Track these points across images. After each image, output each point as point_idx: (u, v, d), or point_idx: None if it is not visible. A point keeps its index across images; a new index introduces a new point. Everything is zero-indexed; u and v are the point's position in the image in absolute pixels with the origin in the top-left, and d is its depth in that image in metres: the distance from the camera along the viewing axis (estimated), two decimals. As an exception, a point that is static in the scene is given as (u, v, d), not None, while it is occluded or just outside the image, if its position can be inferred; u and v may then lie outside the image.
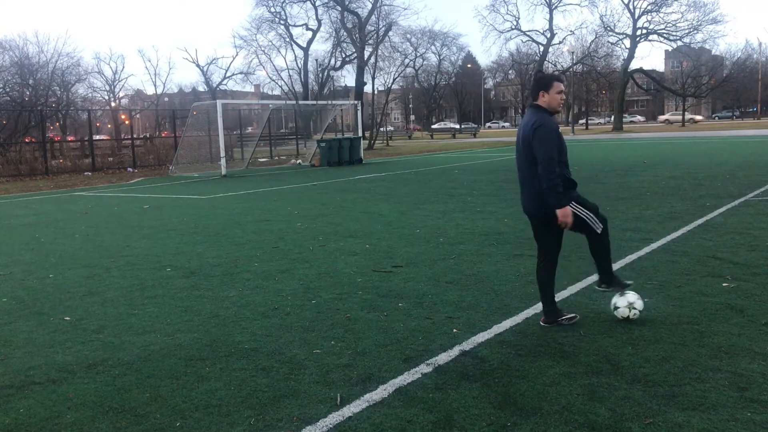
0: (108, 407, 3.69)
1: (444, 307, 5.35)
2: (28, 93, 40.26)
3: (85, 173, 26.56)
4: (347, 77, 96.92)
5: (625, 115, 76.63)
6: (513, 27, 64.28)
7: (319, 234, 9.26)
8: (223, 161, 23.56)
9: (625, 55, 63.03)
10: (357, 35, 42.21)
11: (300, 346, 4.56)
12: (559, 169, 4.50)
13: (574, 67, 64.81)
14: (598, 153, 27.30)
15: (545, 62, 66.68)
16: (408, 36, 52.18)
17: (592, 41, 64.73)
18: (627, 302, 4.70)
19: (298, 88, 42.09)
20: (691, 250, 7.10)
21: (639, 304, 4.71)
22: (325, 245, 8.34)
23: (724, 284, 5.69)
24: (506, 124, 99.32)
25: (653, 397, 3.53)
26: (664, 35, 60.89)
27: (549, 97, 4.57)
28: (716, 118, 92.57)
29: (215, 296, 6.02)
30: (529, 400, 3.53)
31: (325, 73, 44.88)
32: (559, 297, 5.48)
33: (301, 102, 34.01)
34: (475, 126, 76.57)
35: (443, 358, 4.23)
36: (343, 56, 44.99)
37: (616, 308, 4.75)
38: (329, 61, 44.70)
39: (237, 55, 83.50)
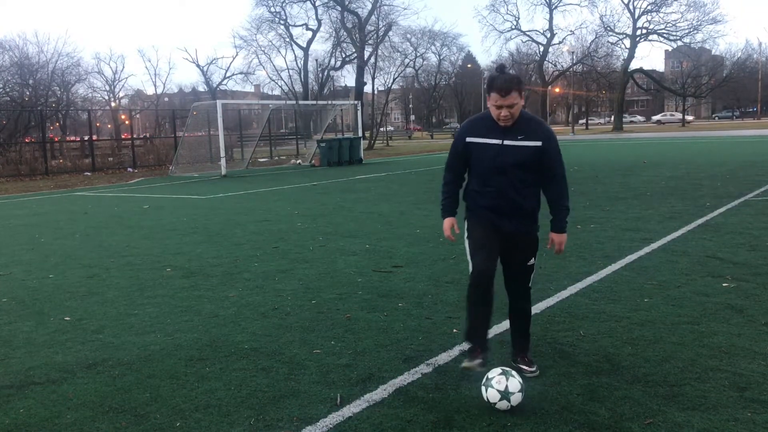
0: (108, 407, 3.69)
1: (444, 307, 5.34)
2: (28, 93, 40.28)
3: (85, 173, 26.56)
4: (347, 77, 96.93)
5: (625, 115, 76.66)
6: (513, 27, 64.45)
7: (319, 234, 9.26)
8: (223, 161, 23.57)
9: (625, 55, 63.13)
10: (357, 35, 42.21)
11: (300, 346, 4.56)
12: (449, 181, 4.03)
13: (574, 67, 64.81)
14: (598, 153, 27.31)
15: (545, 62, 66.76)
16: (408, 36, 52.18)
17: (592, 41, 64.79)
18: (504, 388, 3.40)
19: (298, 88, 42.09)
20: (691, 250, 7.10)
21: (516, 397, 3.40)
22: (325, 245, 8.34)
23: (724, 284, 5.69)
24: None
25: (653, 397, 3.53)
26: (664, 35, 60.97)
27: (489, 104, 3.73)
28: (716, 118, 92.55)
29: (215, 296, 6.02)
30: (529, 399, 3.52)
31: (325, 73, 44.90)
32: (558, 297, 5.50)
33: (301, 102, 34.00)
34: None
35: (443, 358, 4.23)
36: (343, 56, 44.99)
37: (488, 386, 3.46)
38: (329, 61, 44.71)
39: (237, 55, 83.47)
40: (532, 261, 3.90)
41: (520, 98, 3.67)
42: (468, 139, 3.83)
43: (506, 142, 3.70)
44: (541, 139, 3.71)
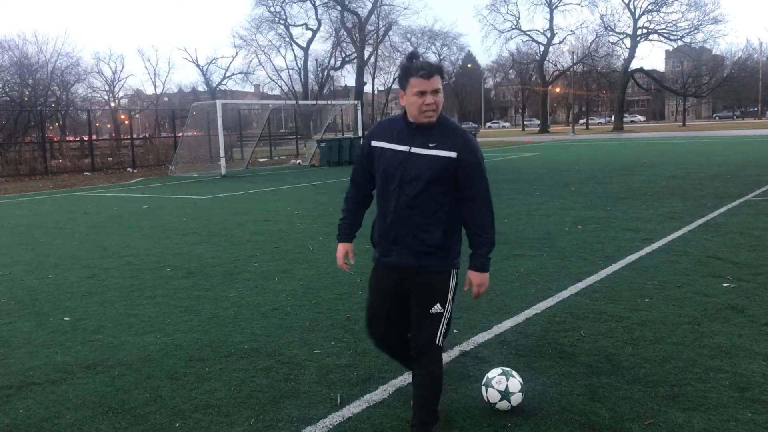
0: (108, 407, 3.68)
1: (444, 307, 5.33)
2: (27, 93, 40.24)
3: (85, 173, 26.56)
4: (347, 77, 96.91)
5: (626, 115, 76.69)
6: (513, 27, 64.44)
7: (319, 234, 9.25)
8: (222, 161, 23.56)
9: (626, 54, 63.19)
10: (357, 35, 42.19)
11: (300, 346, 4.55)
12: (350, 198, 3.39)
13: (575, 66, 64.83)
14: (598, 153, 27.31)
15: (546, 62, 66.76)
16: (408, 36, 52.15)
17: (593, 41, 64.81)
18: (504, 388, 3.40)
19: (298, 88, 42.06)
20: (691, 250, 7.09)
21: (517, 397, 3.40)
22: (325, 245, 8.33)
23: (724, 284, 5.68)
24: (507, 124, 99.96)
25: (654, 397, 3.53)
26: (665, 35, 61.01)
27: (406, 99, 2.92)
28: (717, 117, 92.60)
29: (215, 296, 6.01)
30: (529, 400, 3.52)
31: (325, 73, 44.87)
32: (559, 297, 5.49)
33: (301, 102, 33.99)
34: (476, 126, 76.61)
35: (443, 358, 4.20)
36: (343, 56, 44.98)
37: (488, 386, 3.46)
38: (329, 61, 44.69)
39: (237, 55, 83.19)
40: (436, 308, 2.99)
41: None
42: (374, 144, 3.07)
43: (414, 150, 2.92)
44: (457, 149, 2.88)
